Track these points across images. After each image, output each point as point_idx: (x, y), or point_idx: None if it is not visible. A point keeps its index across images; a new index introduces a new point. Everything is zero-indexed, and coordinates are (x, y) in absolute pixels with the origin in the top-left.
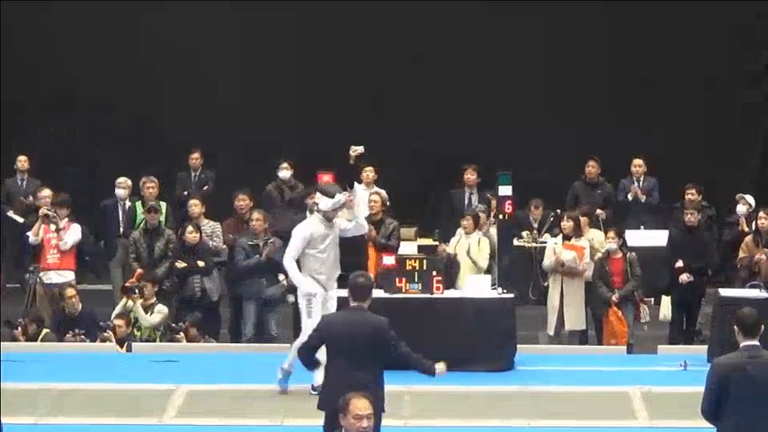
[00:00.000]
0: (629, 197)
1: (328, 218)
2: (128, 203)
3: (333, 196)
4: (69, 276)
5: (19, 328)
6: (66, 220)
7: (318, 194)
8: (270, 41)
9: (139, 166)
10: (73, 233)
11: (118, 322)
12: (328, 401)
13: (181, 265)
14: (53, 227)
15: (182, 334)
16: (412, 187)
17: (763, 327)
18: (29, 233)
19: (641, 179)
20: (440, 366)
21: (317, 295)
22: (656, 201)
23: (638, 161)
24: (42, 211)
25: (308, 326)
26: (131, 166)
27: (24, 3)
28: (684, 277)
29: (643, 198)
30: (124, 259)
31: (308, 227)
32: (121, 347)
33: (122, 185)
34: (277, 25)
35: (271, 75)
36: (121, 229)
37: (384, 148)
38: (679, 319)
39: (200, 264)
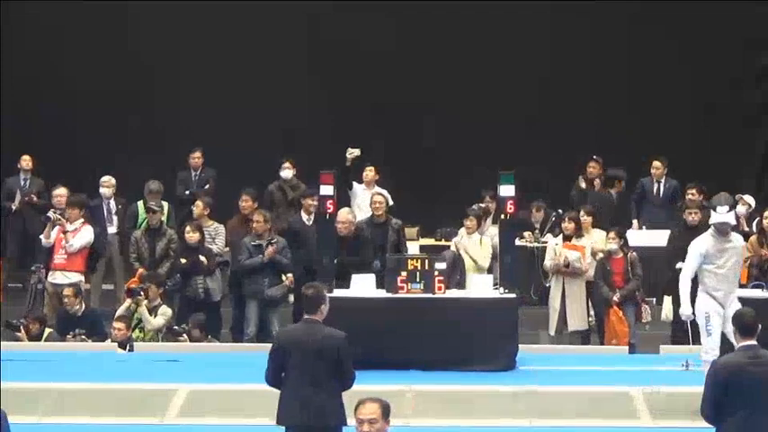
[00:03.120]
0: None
1: (720, 231)
2: (112, 202)
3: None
4: (75, 278)
5: (22, 330)
6: (82, 221)
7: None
8: (274, 40)
9: (140, 166)
10: (83, 235)
11: (118, 325)
12: (283, 418)
13: (184, 261)
14: (59, 228)
15: (185, 336)
16: (416, 187)
17: (760, 326)
18: (41, 236)
19: (662, 181)
20: None
21: (712, 313)
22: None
23: (656, 163)
24: (49, 213)
25: (708, 344)
26: (132, 166)
27: (24, 3)
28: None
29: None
30: (109, 258)
31: (703, 243)
32: (123, 350)
33: (106, 184)
34: (282, 24)
35: (274, 74)
36: (108, 228)
37: (386, 148)
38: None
39: (202, 258)
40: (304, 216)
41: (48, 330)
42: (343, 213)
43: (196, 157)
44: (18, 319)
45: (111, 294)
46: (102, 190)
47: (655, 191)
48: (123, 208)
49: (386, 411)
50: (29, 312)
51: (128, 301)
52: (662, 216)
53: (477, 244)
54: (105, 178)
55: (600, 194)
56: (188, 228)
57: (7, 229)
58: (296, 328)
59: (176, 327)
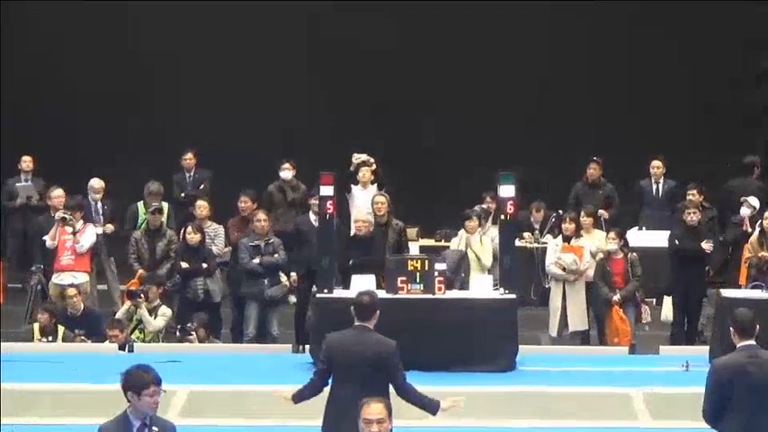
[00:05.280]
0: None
1: None
2: (99, 204)
3: None
4: (83, 278)
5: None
6: (82, 222)
7: None
8: (274, 40)
9: (139, 166)
10: (89, 235)
11: (113, 332)
12: (333, 427)
13: (184, 265)
14: (69, 229)
15: (193, 335)
16: (416, 187)
17: (758, 326)
18: (45, 237)
19: (660, 181)
20: (445, 403)
21: None
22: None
23: (656, 162)
24: (59, 214)
25: None
26: (131, 166)
27: (24, 3)
28: (706, 245)
29: None
30: (98, 259)
31: None
32: (123, 351)
33: (96, 190)
34: (282, 24)
35: (274, 74)
36: (99, 230)
37: (386, 148)
38: (680, 319)
39: (204, 265)
40: (312, 217)
41: (61, 329)
42: (364, 213)
43: (188, 159)
44: (21, 319)
45: (105, 295)
46: (92, 195)
47: (654, 191)
48: (110, 209)
49: (390, 410)
50: (34, 308)
51: (127, 304)
52: (662, 217)
53: (478, 244)
54: (94, 182)
55: (749, 181)
56: (189, 228)
57: (7, 229)
58: (347, 335)
59: (186, 326)
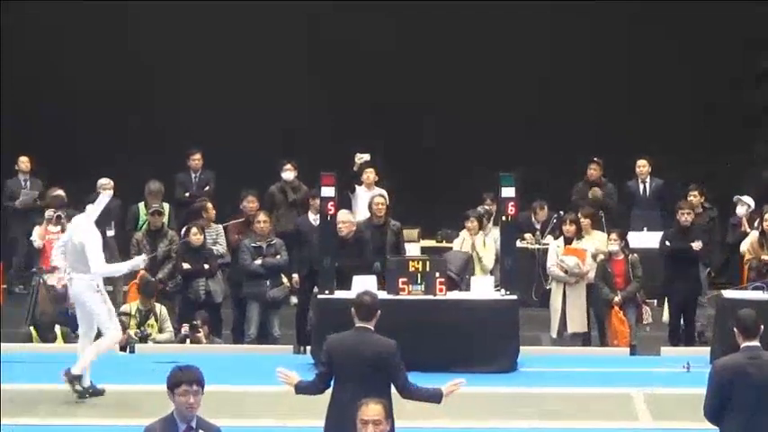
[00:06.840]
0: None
1: None
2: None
3: None
4: None
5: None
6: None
7: None
8: (274, 40)
9: (140, 166)
10: None
11: None
12: (334, 427)
13: (186, 266)
14: (58, 228)
15: (201, 331)
16: (416, 187)
17: (762, 327)
18: (35, 237)
19: (647, 180)
20: (447, 389)
21: None
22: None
23: (641, 162)
24: (49, 213)
25: None
26: (132, 166)
27: (24, 3)
28: (695, 244)
29: None
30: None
31: None
32: (124, 352)
33: (106, 187)
34: (282, 24)
35: (274, 74)
36: (107, 232)
37: (386, 148)
38: (676, 319)
39: (205, 266)
40: (311, 216)
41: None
42: (344, 214)
43: (196, 159)
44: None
45: (108, 295)
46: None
47: (641, 191)
48: (116, 209)
49: (388, 411)
50: (37, 313)
51: (134, 326)
52: (651, 216)
53: (481, 245)
54: (104, 181)
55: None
56: (194, 229)
57: (8, 231)
58: (347, 336)
59: (193, 323)
